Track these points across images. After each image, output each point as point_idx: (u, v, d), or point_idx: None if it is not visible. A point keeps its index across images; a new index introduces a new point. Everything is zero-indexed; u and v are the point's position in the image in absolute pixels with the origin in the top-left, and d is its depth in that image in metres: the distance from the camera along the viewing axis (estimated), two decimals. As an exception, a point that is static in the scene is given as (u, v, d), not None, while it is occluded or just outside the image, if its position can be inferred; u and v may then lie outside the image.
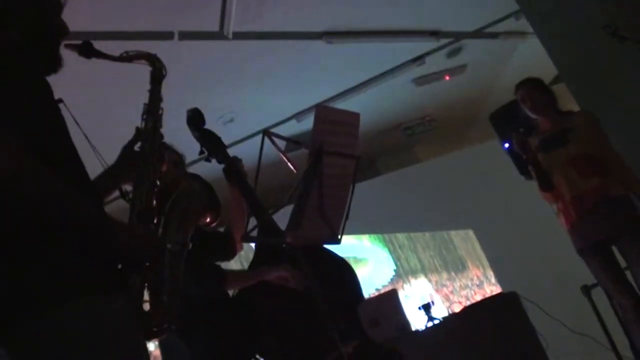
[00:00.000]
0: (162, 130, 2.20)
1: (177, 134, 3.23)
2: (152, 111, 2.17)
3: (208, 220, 2.38)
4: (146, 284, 1.91)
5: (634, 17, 3.96)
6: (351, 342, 2.99)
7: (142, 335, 1.79)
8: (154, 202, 2.03)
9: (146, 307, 1.93)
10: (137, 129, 2.17)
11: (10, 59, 1.73)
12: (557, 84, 5.18)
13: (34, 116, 1.65)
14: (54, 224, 1.59)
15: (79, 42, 2.04)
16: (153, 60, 2.22)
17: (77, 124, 1.95)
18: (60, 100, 1.88)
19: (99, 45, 2.11)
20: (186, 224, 2.16)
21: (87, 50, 2.03)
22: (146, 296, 1.94)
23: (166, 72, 2.22)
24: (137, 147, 2.17)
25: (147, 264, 1.90)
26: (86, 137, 1.99)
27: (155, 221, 2.04)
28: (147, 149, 2.09)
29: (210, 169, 3.24)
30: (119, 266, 1.75)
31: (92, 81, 4.06)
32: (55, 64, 1.92)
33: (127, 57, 2.14)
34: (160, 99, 2.20)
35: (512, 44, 6.84)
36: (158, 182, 2.09)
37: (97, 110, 4.96)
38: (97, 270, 1.65)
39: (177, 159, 3.23)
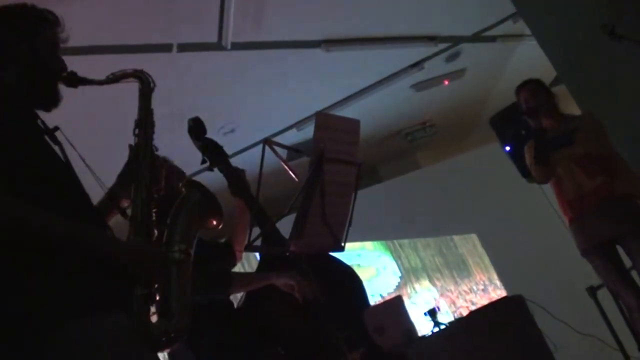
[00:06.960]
0: (164, 141, 2.19)
1: (178, 144, 3.24)
2: (143, 126, 2.15)
3: (214, 224, 2.39)
4: (153, 295, 1.91)
5: (631, 16, 3.96)
6: (358, 350, 2.98)
7: (143, 350, 1.77)
8: (154, 215, 2.02)
9: (155, 317, 1.92)
10: (130, 146, 2.17)
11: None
12: (557, 86, 5.17)
13: (14, 151, 1.68)
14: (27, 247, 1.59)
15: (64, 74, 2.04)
16: (140, 76, 2.17)
17: (74, 148, 1.96)
18: (57, 128, 1.90)
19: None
20: (189, 232, 2.16)
21: (72, 80, 2.02)
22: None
23: (155, 85, 2.18)
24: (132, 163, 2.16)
25: (152, 280, 1.89)
26: (84, 161, 1.99)
27: (156, 234, 2.03)
28: (139, 164, 2.09)
29: (213, 178, 3.24)
30: (120, 283, 1.74)
31: (87, 104, 4.03)
32: (54, 100, 1.98)
33: (114, 78, 2.10)
34: (151, 113, 2.17)
35: (510, 47, 6.84)
36: (156, 195, 2.08)
37: (96, 133, 4.97)
38: (92, 289, 1.65)
39: (176, 170, 3.23)
